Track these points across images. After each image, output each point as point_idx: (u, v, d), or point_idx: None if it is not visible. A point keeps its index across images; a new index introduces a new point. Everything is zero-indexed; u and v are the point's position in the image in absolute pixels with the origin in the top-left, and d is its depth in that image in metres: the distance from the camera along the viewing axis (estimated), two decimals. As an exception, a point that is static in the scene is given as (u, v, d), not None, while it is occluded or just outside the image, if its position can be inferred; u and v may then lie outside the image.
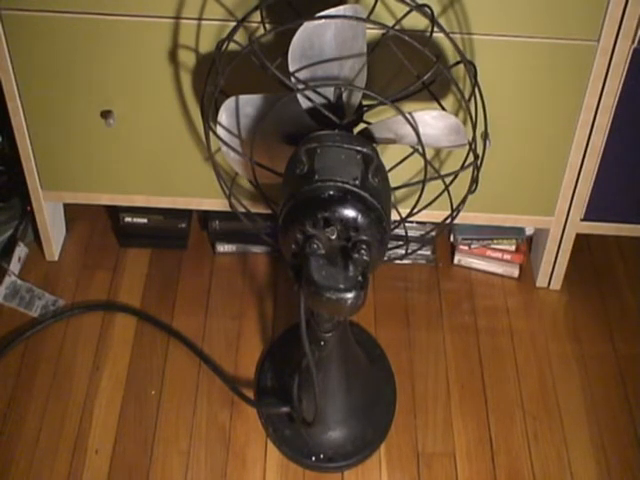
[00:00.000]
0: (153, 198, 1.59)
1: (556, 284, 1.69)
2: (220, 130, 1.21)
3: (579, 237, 1.63)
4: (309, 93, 1.16)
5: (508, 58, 1.35)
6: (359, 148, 1.09)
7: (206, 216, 1.72)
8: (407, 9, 1.14)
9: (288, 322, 1.60)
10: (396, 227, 1.27)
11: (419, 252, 1.70)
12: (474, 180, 1.24)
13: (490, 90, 1.32)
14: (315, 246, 1.08)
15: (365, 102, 1.22)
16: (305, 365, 1.33)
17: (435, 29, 1.18)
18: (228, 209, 1.34)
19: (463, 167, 1.23)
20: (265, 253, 1.73)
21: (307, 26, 1.11)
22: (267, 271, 1.71)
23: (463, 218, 1.55)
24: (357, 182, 1.09)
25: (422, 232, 1.60)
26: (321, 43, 1.13)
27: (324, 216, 1.07)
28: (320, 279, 1.09)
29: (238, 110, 1.19)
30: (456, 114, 1.39)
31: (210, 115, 1.22)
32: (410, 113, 1.12)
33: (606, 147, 1.47)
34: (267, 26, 1.29)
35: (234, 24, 1.20)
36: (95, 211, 1.78)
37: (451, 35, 1.17)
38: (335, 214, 1.07)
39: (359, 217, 1.07)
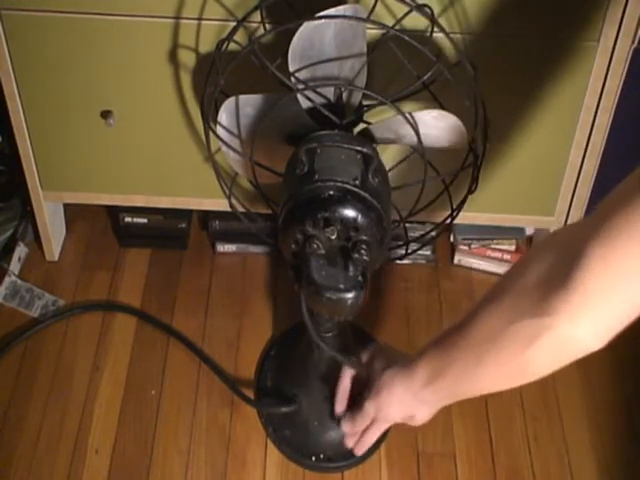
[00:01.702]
0: (153, 198, 1.59)
1: (556, 284, 1.69)
2: (220, 130, 1.21)
3: (579, 237, 1.63)
4: (309, 93, 1.16)
5: (508, 58, 1.35)
6: (359, 148, 1.09)
7: (206, 216, 1.72)
8: (407, 9, 1.14)
9: (288, 322, 1.60)
10: (396, 227, 1.27)
11: (419, 252, 1.70)
12: (474, 180, 1.24)
13: (490, 90, 1.32)
14: (315, 246, 1.08)
15: (365, 102, 1.22)
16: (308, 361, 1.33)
17: (435, 29, 1.18)
18: (228, 209, 1.34)
19: (463, 167, 1.23)
20: (265, 253, 1.73)
21: (307, 26, 1.11)
22: (267, 271, 1.71)
23: (463, 218, 1.54)
24: (357, 182, 1.09)
25: (422, 232, 1.60)
26: (321, 43, 1.13)
27: (324, 216, 1.07)
28: (320, 279, 1.09)
29: (238, 110, 1.19)
30: (456, 114, 1.38)
31: (210, 115, 1.22)
32: (410, 113, 1.12)
33: (606, 147, 1.47)
34: (267, 26, 1.29)
35: (234, 24, 1.20)
36: (95, 211, 1.78)
37: (451, 35, 1.17)
38: (335, 214, 1.07)
39: (359, 217, 1.07)
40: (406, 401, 0.99)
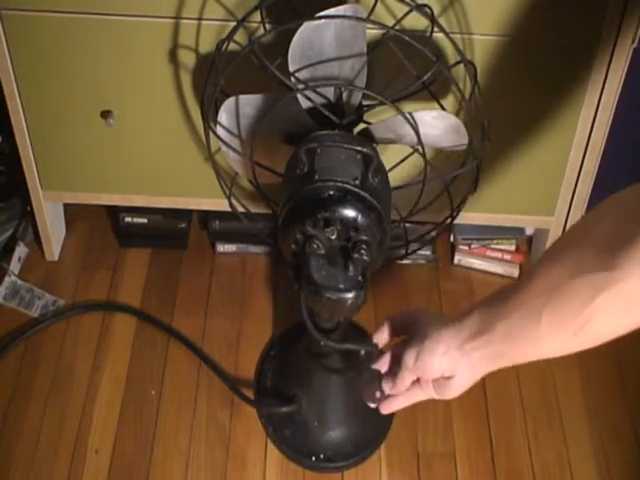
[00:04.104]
0: (153, 198, 1.59)
1: (556, 284, 1.68)
2: (220, 130, 1.21)
3: (579, 237, 1.62)
4: (309, 93, 1.16)
5: (508, 58, 1.35)
6: (359, 148, 1.09)
7: (206, 216, 1.72)
8: (407, 9, 1.14)
9: (288, 322, 1.60)
10: (396, 227, 1.27)
11: (419, 252, 1.70)
12: (474, 180, 1.24)
13: (490, 90, 1.32)
14: (315, 246, 1.08)
15: (365, 102, 1.22)
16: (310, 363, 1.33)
17: (435, 29, 1.18)
18: (228, 209, 1.34)
19: (463, 167, 1.23)
20: (265, 253, 1.73)
21: (307, 26, 1.10)
22: (267, 271, 1.71)
23: (463, 218, 1.55)
24: (357, 182, 1.09)
25: (422, 232, 1.60)
26: (321, 43, 1.13)
27: (324, 216, 1.07)
28: (320, 279, 1.09)
29: (238, 110, 1.19)
30: (456, 114, 1.39)
31: (210, 115, 1.22)
32: (410, 113, 1.12)
33: (606, 147, 1.47)
34: (267, 26, 1.29)
35: (234, 24, 1.20)
36: (95, 211, 1.78)
37: (451, 35, 1.17)
38: (335, 214, 1.07)
39: (359, 217, 1.07)
40: (451, 352, 0.89)
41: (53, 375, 1.52)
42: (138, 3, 1.32)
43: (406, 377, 0.97)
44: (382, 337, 1.04)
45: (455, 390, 0.93)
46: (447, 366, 0.91)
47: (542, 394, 1.53)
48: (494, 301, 0.85)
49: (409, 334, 0.97)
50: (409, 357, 0.94)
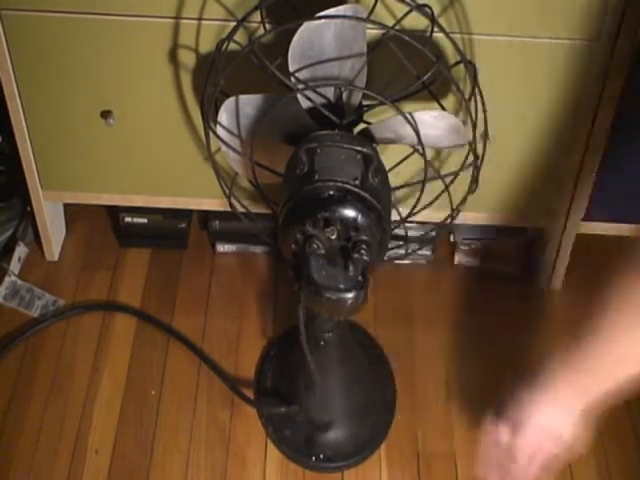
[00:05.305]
0: (153, 198, 1.59)
1: (556, 284, 1.69)
2: (220, 130, 1.21)
3: (579, 237, 1.63)
4: (309, 93, 1.16)
5: (508, 58, 1.35)
6: (359, 148, 1.09)
7: (206, 216, 1.72)
8: (407, 9, 1.14)
9: (288, 322, 1.60)
10: (396, 227, 1.27)
11: (419, 252, 1.70)
12: (474, 180, 1.24)
13: (490, 90, 1.32)
14: (315, 246, 1.08)
15: (365, 102, 1.22)
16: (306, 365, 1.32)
17: (435, 29, 1.18)
18: (228, 209, 1.34)
19: (463, 167, 1.23)
20: (265, 253, 1.73)
21: (307, 26, 1.11)
22: (267, 271, 1.71)
23: (463, 218, 1.55)
24: (357, 182, 1.09)
25: (422, 232, 1.60)
26: (321, 43, 1.13)
27: (324, 216, 1.07)
28: (320, 279, 1.09)
29: (238, 110, 1.19)
30: (456, 114, 1.39)
31: (210, 115, 1.22)
32: (410, 113, 1.12)
33: (606, 147, 1.47)
34: (267, 26, 1.29)
35: (234, 24, 1.20)
36: (95, 211, 1.78)
37: (451, 35, 1.17)
38: (335, 214, 1.07)
39: (359, 217, 1.07)
40: (545, 412, 0.90)
41: (53, 375, 1.52)
42: (137, 3, 1.32)
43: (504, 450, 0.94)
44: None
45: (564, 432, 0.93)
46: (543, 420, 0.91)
47: (542, 394, 1.52)
48: (568, 356, 0.87)
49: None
50: (503, 430, 0.92)
